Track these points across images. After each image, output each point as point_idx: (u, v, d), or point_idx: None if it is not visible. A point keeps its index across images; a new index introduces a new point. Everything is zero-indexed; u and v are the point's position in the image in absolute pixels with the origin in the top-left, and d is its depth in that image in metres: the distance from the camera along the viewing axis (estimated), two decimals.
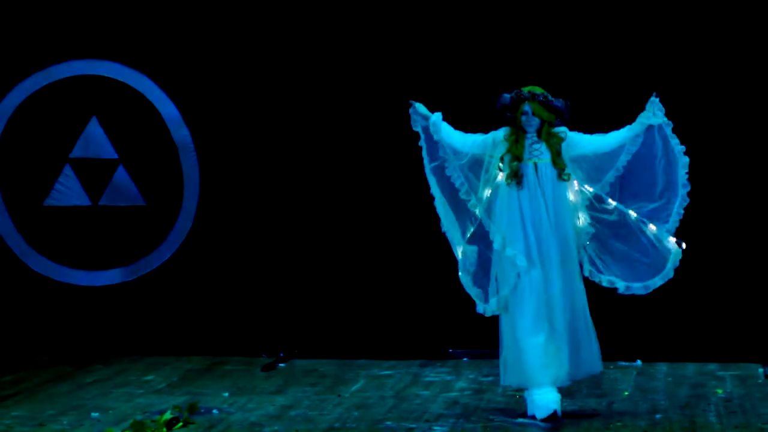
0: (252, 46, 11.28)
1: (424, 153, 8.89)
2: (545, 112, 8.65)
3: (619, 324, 10.81)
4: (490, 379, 10.10)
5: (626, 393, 9.59)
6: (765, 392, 9.60)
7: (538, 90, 8.73)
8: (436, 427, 8.63)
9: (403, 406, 9.25)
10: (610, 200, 8.84)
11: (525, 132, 8.66)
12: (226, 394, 9.72)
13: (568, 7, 10.95)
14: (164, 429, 8.55)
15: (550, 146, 8.69)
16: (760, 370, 10.34)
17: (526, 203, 8.72)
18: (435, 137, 8.82)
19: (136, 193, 11.38)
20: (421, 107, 8.84)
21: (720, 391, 9.63)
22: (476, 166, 8.85)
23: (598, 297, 9.88)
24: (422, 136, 8.88)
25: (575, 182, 8.85)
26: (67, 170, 11.36)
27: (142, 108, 11.31)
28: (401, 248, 11.08)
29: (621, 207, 8.83)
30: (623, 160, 8.73)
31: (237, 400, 9.54)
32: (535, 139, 8.69)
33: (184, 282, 11.35)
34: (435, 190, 8.93)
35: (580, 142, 8.76)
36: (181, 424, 8.73)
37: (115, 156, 11.35)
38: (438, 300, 10.98)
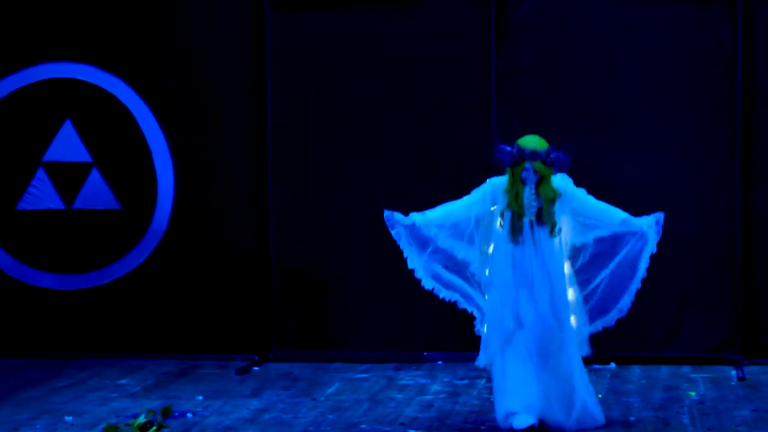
0: (225, 50, 11.24)
1: (411, 251, 8.81)
2: (546, 169, 8.57)
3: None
4: (465, 382, 10.16)
5: (600, 396, 9.53)
6: (738, 394, 9.68)
7: (539, 147, 8.59)
8: (411, 431, 8.66)
9: (378, 409, 9.27)
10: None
11: (524, 185, 8.58)
12: (201, 398, 9.72)
13: None
14: None
15: (545, 200, 8.60)
16: (733, 372, 10.42)
17: (519, 259, 8.65)
18: (424, 231, 8.75)
19: (110, 196, 11.33)
20: (399, 216, 8.80)
21: (693, 393, 9.68)
22: (479, 224, 8.82)
23: None
24: (404, 238, 8.79)
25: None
26: (41, 174, 11.36)
27: (116, 111, 11.28)
28: (375, 251, 10.95)
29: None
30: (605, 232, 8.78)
31: (211, 404, 9.53)
32: (533, 192, 8.60)
33: (158, 285, 11.31)
34: (440, 271, 8.87)
35: (583, 201, 8.74)
36: (155, 428, 8.71)
37: (90, 159, 11.32)
38: (413, 303, 10.93)
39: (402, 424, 8.82)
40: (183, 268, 11.30)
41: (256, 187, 11.27)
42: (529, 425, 8.46)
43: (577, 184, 10.65)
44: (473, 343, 10.51)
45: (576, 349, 8.70)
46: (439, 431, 8.69)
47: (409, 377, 10.35)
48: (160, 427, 8.74)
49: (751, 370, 10.44)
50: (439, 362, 10.91)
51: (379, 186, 10.96)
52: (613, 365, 10.71)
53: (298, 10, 11.12)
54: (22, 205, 11.39)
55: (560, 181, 8.65)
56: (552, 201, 8.60)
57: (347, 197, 11.06)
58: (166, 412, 8.92)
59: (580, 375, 8.71)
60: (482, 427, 8.76)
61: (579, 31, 10.90)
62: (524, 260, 8.59)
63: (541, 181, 8.57)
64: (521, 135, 10.75)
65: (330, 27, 11.10)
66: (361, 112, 11.12)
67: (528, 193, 8.58)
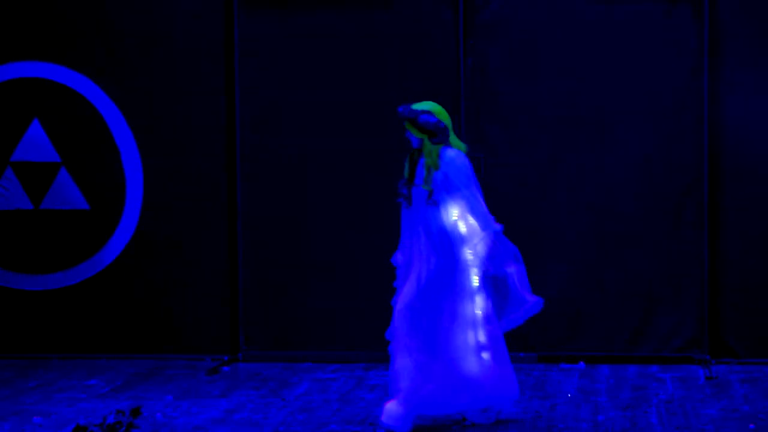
0: (194, 49, 11.23)
1: None
2: (416, 131, 8.65)
3: (562, 327, 10.90)
4: None
5: (569, 395, 9.67)
6: (705, 393, 9.74)
7: (420, 106, 8.69)
8: (380, 431, 8.69)
9: (347, 409, 9.31)
10: None
11: (415, 147, 8.70)
12: (170, 398, 9.74)
13: None
14: None
15: (425, 165, 8.66)
16: (700, 371, 10.48)
17: (408, 222, 8.75)
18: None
19: (78, 196, 11.32)
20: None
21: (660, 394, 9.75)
22: None
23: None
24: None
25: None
26: (9, 173, 11.36)
27: (84, 110, 11.26)
28: (342, 252, 11.05)
29: None
30: None
31: (181, 404, 9.55)
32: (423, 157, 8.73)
33: (127, 285, 11.33)
34: None
35: (456, 181, 8.65)
36: (124, 428, 8.64)
37: (58, 159, 11.32)
38: (381, 304, 10.91)
39: (371, 424, 8.86)
40: (151, 268, 11.31)
41: (225, 188, 11.26)
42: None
43: (546, 179, 10.88)
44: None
45: (464, 325, 8.63)
46: None
47: (378, 377, 10.35)
48: (129, 427, 8.66)
49: (719, 369, 10.48)
50: None
51: (345, 184, 11.02)
52: (582, 365, 10.74)
53: (266, 7, 11.11)
54: None
55: (452, 156, 8.63)
56: (429, 167, 8.63)
57: (316, 197, 11.07)
58: (136, 413, 8.83)
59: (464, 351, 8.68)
60: (454, 427, 8.78)
61: (547, 31, 10.90)
62: (412, 223, 8.71)
63: (423, 144, 8.61)
64: (490, 131, 10.99)
65: (298, 25, 11.10)
66: (330, 112, 11.10)
67: (425, 157, 8.65)
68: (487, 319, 8.69)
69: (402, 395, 8.58)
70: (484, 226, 8.62)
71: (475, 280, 8.66)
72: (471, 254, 8.64)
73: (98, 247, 11.31)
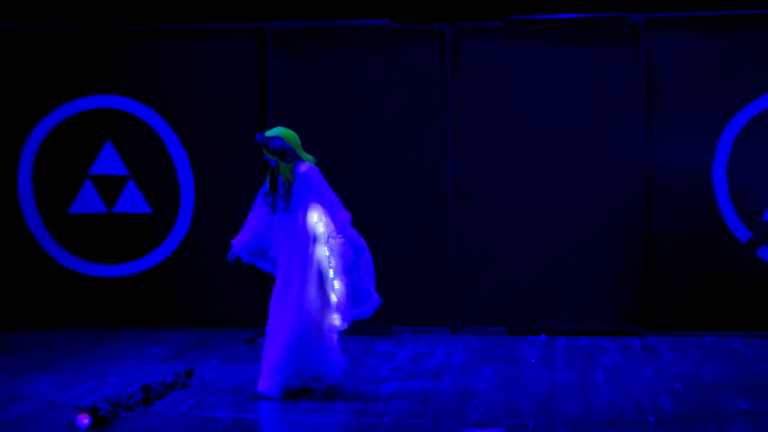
0: (235, 82, 11.10)
1: None
2: (272, 154, 8.41)
3: (528, 307, 10.87)
4: (426, 350, 10.18)
5: (533, 361, 9.70)
6: (641, 359, 9.73)
7: (271, 133, 8.44)
8: (383, 387, 8.80)
9: (358, 371, 9.28)
10: None
11: (272, 165, 8.47)
12: (216, 362, 9.73)
13: None
14: (167, 390, 8.65)
15: (283, 180, 8.43)
16: (637, 341, 10.43)
17: (272, 226, 8.54)
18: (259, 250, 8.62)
19: (143, 202, 11.24)
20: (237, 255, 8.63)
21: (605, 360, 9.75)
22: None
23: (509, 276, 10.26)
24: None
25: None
26: (88, 184, 11.24)
27: (147, 134, 11.18)
28: (355, 227, 10.54)
29: None
30: None
31: (225, 368, 9.53)
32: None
33: (181, 273, 11.21)
34: None
35: (307, 191, 8.43)
36: (180, 386, 8.78)
37: (126, 173, 11.23)
38: (386, 287, 10.60)
39: (376, 382, 8.93)
40: (201, 259, 11.16)
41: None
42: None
43: (516, 187, 10.79)
44: (432, 320, 10.79)
45: (307, 316, 8.38)
46: (405, 387, 8.76)
47: (382, 347, 10.35)
48: (184, 386, 8.81)
49: (651, 340, 10.46)
50: (406, 335, 10.85)
51: (355, 188, 10.56)
52: (543, 337, 10.71)
53: (291, 48, 10.96)
54: (73, 210, 11.26)
55: (304, 170, 8.41)
56: (288, 181, 8.40)
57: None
58: (189, 374, 9.01)
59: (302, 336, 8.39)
60: (441, 386, 8.80)
61: (516, 69, 10.80)
62: (275, 227, 8.50)
63: (278, 164, 8.41)
64: (471, 149, 10.90)
65: (316, 62, 10.96)
66: (340, 134, 10.97)
67: (282, 174, 8.41)
68: (330, 305, 8.45)
69: (270, 367, 8.44)
70: (337, 227, 8.38)
71: (330, 272, 8.38)
72: (326, 251, 8.38)
73: (159, 242, 11.25)
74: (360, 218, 10.76)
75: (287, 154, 8.43)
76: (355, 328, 10.70)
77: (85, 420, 7.67)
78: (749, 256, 10.66)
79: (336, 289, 8.40)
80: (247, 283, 11.07)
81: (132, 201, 11.31)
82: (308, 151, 10.86)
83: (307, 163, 8.46)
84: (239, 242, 8.66)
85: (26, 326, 11.26)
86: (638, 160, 10.77)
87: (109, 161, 11.28)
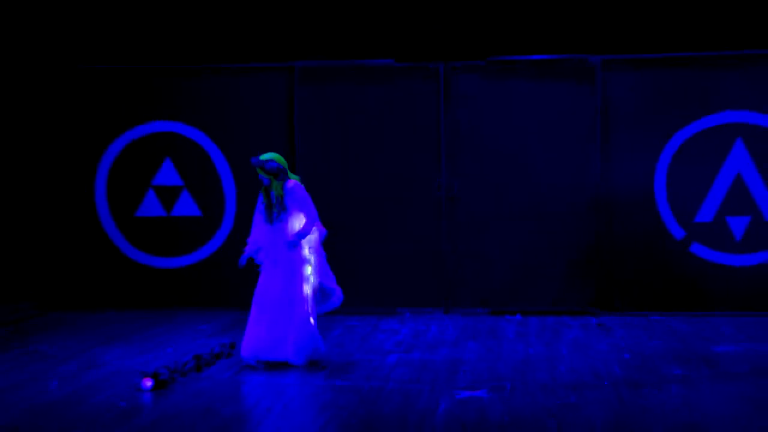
0: (269, 110, 11.01)
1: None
2: (268, 174, 8.32)
3: (506, 292, 10.79)
4: (424, 327, 10.11)
5: (510, 336, 9.68)
6: (597, 335, 9.70)
7: (262, 158, 8.31)
8: (388, 357, 8.78)
9: (366, 344, 9.32)
10: None
11: (265, 183, 8.35)
12: None
13: None
14: (215, 359, 8.63)
15: (276, 195, 8.34)
16: (594, 320, 10.40)
17: (270, 234, 8.40)
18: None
19: (194, 207, 11.25)
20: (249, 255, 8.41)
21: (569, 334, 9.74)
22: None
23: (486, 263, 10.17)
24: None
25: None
26: (151, 193, 11.25)
27: (198, 152, 11.19)
28: (365, 239, 10.78)
29: None
30: None
31: None
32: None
33: (224, 264, 10.95)
34: None
35: (294, 202, 8.32)
36: (225, 355, 8.76)
37: (181, 183, 11.23)
38: (391, 274, 10.81)
39: (383, 354, 8.91)
40: (240, 253, 9.98)
41: None
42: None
43: (499, 195, 10.72)
44: (429, 303, 10.71)
45: (300, 304, 8.24)
46: (406, 358, 8.73)
47: (387, 324, 10.29)
48: (228, 355, 8.78)
49: (605, 320, 10.39)
50: (407, 315, 10.79)
51: (363, 199, 10.86)
52: (519, 317, 10.65)
53: (315, 83, 10.92)
54: (139, 213, 11.28)
55: (291, 186, 8.31)
56: (279, 197, 8.29)
57: (350, 199, 10.83)
58: (233, 346, 8.98)
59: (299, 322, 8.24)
60: (436, 356, 8.79)
61: (496, 99, 10.75)
62: (271, 234, 8.36)
63: (271, 182, 8.31)
64: (461, 164, 10.82)
65: (334, 95, 10.92)
66: (353, 151, 10.88)
67: (274, 190, 8.31)
68: (309, 296, 8.32)
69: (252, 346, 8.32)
70: (314, 230, 8.33)
71: (307, 270, 8.29)
72: (307, 251, 8.30)
73: (207, 240, 11.23)
74: (370, 219, 10.83)
75: (280, 174, 8.32)
76: (363, 309, 10.65)
77: (148, 383, 7.74)
78: (684, 251, 10.63)
79: (311, 282, 8.33)
80: None
81: (186, 206, 11.29)
82: (329, 166, 10.82)
83: (294, 180, 8.38)
84: (249, 249, 8.53)
85: (97, 307, 11.23)
86: (595, 174, 10.74)
87: (167, 174, 11.29)
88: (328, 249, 8.59)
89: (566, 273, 10.79)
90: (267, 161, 8.30)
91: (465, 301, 10.92)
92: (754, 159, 10.53)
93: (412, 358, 8.76)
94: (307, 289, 8.31)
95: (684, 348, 9.00)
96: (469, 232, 10.94)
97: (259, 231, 8.47)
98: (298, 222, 8.33)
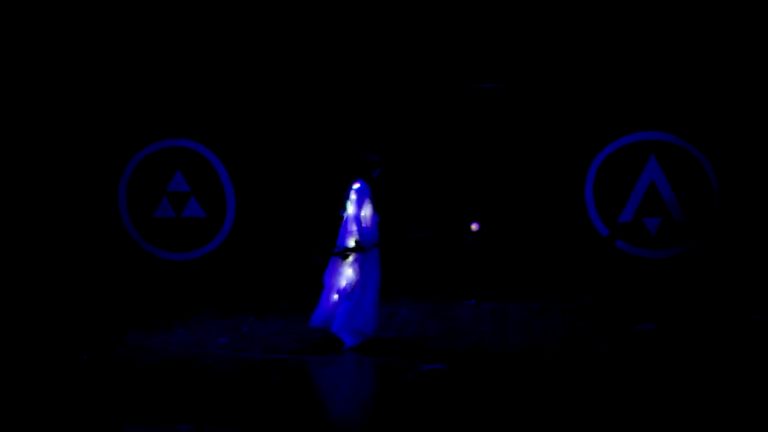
0: (272, 128, 11.09)
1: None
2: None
3: (464, 280, 10.81)
4: (395, 311, 10.07)
5: (467, 317, 9.74)
6: (539, 316, 9.65)
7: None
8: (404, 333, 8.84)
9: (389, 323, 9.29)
10: None
11: None
12: (252, 319, 9.59)
13: None
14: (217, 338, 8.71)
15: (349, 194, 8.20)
16: (537, 305, 10.22)
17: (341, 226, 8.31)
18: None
19: (200, 210, 11.37)
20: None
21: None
22: None
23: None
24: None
25: None
26: (165, 198, 11.39)
27: (203, 164, 11.29)
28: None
29: None
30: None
31: (261, 323, 9.39)
32: None
33: (227, 258, 11.23)
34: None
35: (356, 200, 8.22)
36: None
37: (189, 190, 11.36)
38: (395, 268, 9.97)
39: (399, 330, 9.00)
40: (239, 250, 11.21)
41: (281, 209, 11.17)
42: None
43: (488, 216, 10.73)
44: (399, 291, 10.83)
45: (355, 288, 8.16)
46: (380, 335, 8.73)
47: (388, 309, 10.06)
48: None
49: (546, 304, 10.22)
50: (408, 300, 10.70)
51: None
52: (474, 301, 10.53)
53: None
54: (155, 215, 11.40)
55: (356, 187, 8.27)
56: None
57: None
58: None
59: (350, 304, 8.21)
60: (404, 334, 8.89)
61: None
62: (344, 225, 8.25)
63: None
64: None
65: None
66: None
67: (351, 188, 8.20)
68: (357, 279, 8.25)
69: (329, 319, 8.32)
70: (372, 221, 8.25)
71: (351, 257, 8.20)
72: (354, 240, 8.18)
73: (211, 237, 11.36)
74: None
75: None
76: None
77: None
78: (610, 246, 10.76)
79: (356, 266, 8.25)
80: (270, 266, 11.08)
81: (193, 209, 11.39)
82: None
83: (361, 180, 8.30)
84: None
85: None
86: (542, 186, 10.90)
87: (179, 183, 11.39)
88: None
89: (513, 266, 10.89)
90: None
91: (429, 290, 10.82)
92: (664, 171, 10.74)
93: (385, 336, 8.84)
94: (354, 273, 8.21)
95: (611, 326, 9.11)
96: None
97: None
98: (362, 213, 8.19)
